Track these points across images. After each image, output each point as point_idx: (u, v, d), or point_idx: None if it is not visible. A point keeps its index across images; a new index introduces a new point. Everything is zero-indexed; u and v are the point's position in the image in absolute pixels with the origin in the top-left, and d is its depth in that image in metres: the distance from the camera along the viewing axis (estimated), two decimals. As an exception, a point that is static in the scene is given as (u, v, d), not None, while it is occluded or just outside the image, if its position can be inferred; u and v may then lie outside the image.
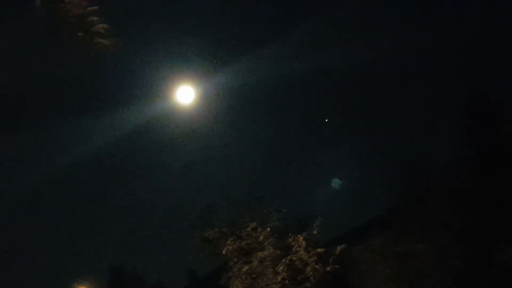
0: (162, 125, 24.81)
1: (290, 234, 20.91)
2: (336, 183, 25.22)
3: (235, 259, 21.22)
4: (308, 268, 20.09)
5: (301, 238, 20.38)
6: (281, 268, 20.18)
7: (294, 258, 20.21)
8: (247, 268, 20.75)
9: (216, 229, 21.86)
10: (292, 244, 20.58)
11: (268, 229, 21.03)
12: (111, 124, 25.30)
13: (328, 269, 19.99)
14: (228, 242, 21.28)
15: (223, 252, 21.30)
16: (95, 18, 11.91)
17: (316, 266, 19.98)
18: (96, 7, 11.92)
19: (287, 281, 20.16)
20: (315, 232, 20.69)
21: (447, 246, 22.08)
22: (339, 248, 20.20)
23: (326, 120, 28.83)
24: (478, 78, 23.90)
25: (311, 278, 20.04)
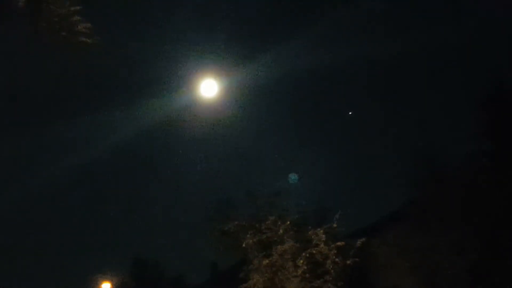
0: (185, 118, 25.01)
1: (309, 228, 21.09)
2: (293, 178, 25.12)
3: (255, 253, 21.40)
4: (328, 261, 20.24)
5: (321, 231, 20.55)
6: (301, 261, 20.33)
7: (314, 251, 20.36)
8: (267, 261, 20.86)
9: (236, 223, 22.03)
10: (312, 237, 20.76)
11: (288, 222, 21.18)
12: (135, 118, 25.58)
13: (348, 262, 20.18)
14: (248, 235, 21.45)
15: (243, 246, 21.48)
16: (78, 18, 12.12)
17: (336, 260, 20.14)
18: (79, 7, 12.13)
19: (307, 274, 20.32)
20: (335, 225, 20.85)
21: (465, 240, 22.15)
22: (359, 241, 20.36)
23: (350, 113, 29.02)
24: (496, 71, 23.75)
25: (331, 271, 20.23)
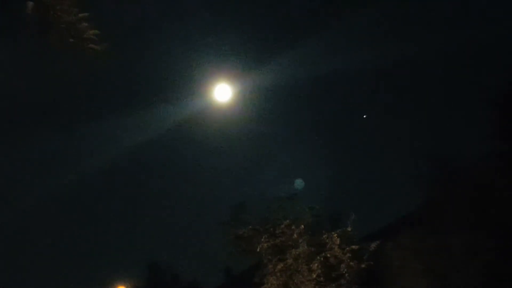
0: (198, 122, 25.15)
1: (324, 231, 21.13)
2: (299, 184, 25.10)
3: (270, 257, 21.44)
4: (343, 265, 20.28)
5: (335, 235, 20.58)
6: (316, 265, 20.35)
7: (328, 255, 20.39)
8: (282, 265, 20.93)
9: (250, 227, 22.12)
10: (327, 241, 20.80)
11: (302, 226, 21.23)
12: (148, 122, 25.76)
13: (363, 266, 20.20)
14: (262, 239, 21.51)
15: (258, 250, 21.54)
16: (86, 25, 12.22)
17: (351, 263, 20.17)
18: (87, 14, 12.23)
19: (321, 278, 20.35)
20: (349, 229, 20.87)
21: (478, 241, 22.10)
22: (373, 244, 20.37)
23: (364, 116, 29.05)
24: (509, 71, 23.65)
25: (346, 274, 20.25)
